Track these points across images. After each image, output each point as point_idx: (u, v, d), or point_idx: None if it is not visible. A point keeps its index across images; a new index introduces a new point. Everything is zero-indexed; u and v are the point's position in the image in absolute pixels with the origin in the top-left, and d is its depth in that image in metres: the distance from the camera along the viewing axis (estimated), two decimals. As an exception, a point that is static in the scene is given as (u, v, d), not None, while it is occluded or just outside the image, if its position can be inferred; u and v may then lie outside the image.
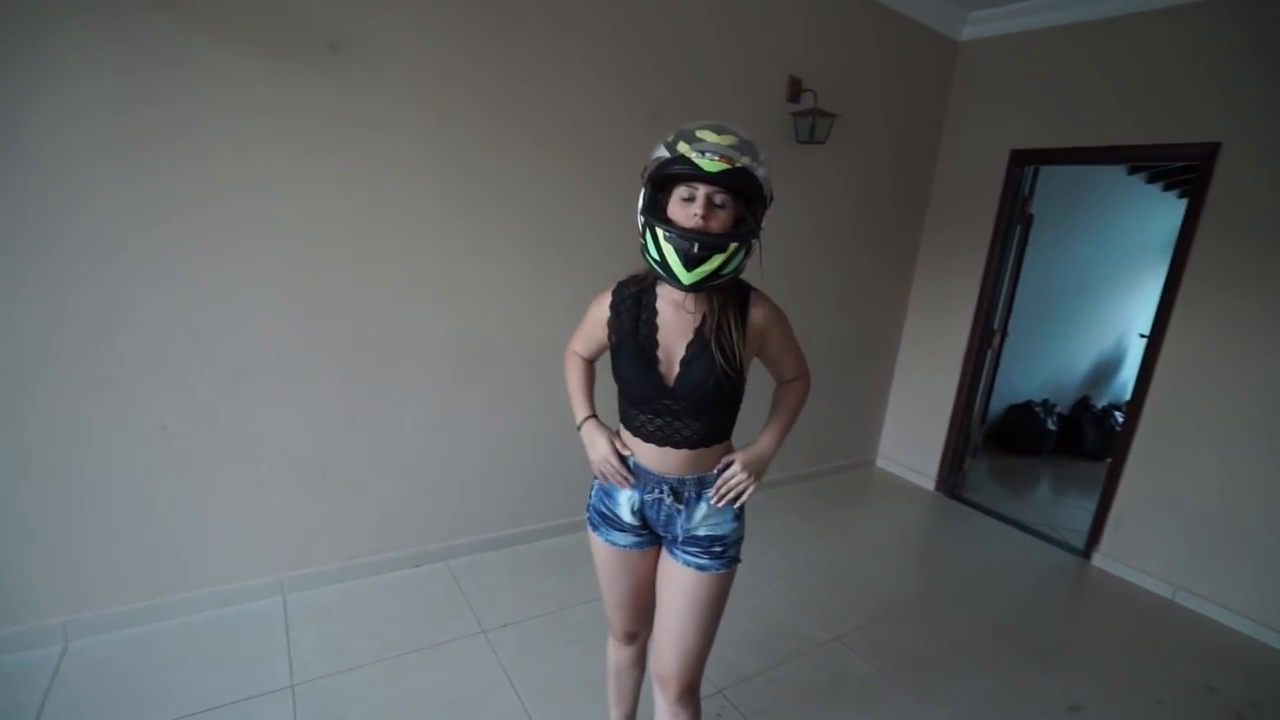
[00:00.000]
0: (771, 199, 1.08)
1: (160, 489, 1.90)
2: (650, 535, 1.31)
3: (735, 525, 1.27)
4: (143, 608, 1.94)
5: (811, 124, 2.84)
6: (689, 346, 1.16)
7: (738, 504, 1.25)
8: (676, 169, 1.01)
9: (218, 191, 1.80)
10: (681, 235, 1.01)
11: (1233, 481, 2.65)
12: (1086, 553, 3.11)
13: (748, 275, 1.16)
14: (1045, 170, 3.47)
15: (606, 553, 1.34)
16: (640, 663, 1.53)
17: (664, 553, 1.31)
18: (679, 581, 1.26)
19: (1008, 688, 2.13)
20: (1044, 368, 5.05)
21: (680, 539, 1.26)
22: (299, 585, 2.19)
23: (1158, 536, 2.88)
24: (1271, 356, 2.54)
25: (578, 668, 1.98)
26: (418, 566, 2.41)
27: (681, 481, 1.23)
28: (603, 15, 2.34)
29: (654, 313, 1.19)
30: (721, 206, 1.04)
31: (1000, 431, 4.82)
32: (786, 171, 3.02)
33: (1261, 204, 2.54)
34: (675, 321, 1.17)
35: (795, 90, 2.92)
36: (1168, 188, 5.10)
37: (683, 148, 1.01)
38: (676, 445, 1.20)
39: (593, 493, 1.35)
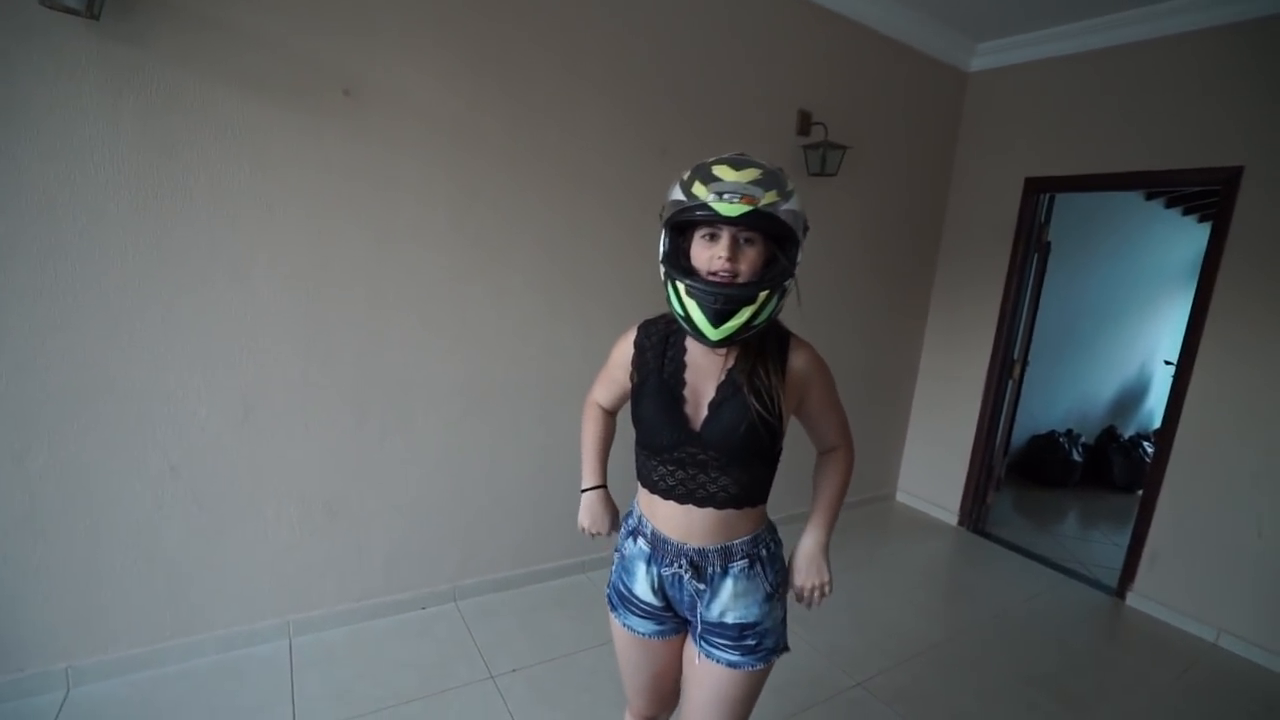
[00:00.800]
0: (807, 230, 0.98)
1: (168, 530, 1.88)
2: (675, 620, 1.17)
3: (768, 607, 1.11)
4: (146, 653, 1.91)
5: (822, 157, 2.84)
6: (720, 388, 1.04)
7: (819, 605, 1.16)
8: (694, 215, 0.92)
9: (230, 231, 1.82)
10: (705, 290, 0.92)
11: (1272, 515, 2.53)
12: (1120, 592, 2.98)
13: (786, 316, 1.05)
14: (1061, 197, 3.43)
15: (626, 639, 1.20)
16: None
17: (689, 642, 1.16)
18: (706, 679, 1.12)
19: (1043, 740, 2.01)
20: (1066, 397, 4.93)
21: (706, 624, 1.10)
22: (305, 628, 2.15)
23: (1196, 575, 2.75)
24: (1308, 386, 2.45)
25: (589, 716, 1.90)
26: (424, 609, 2.36)
27: (703, 553, 1.08)
28: (612, 54, 2.37)
29: (682, 351, 1.09)
30: (750, 243, 0.95)
31: (1023, 463, 4.69)
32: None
33: (1288, 229, 2.48)
34: (705, 362, 1.07)
35: (805, 123, 2.92)
36: (1187, 212, 5.04)
37: (698, 190, 0.92)
38: (701, 503, 1.06)
39: (613, 569, 1.23)
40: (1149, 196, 4.76)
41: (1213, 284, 2.68)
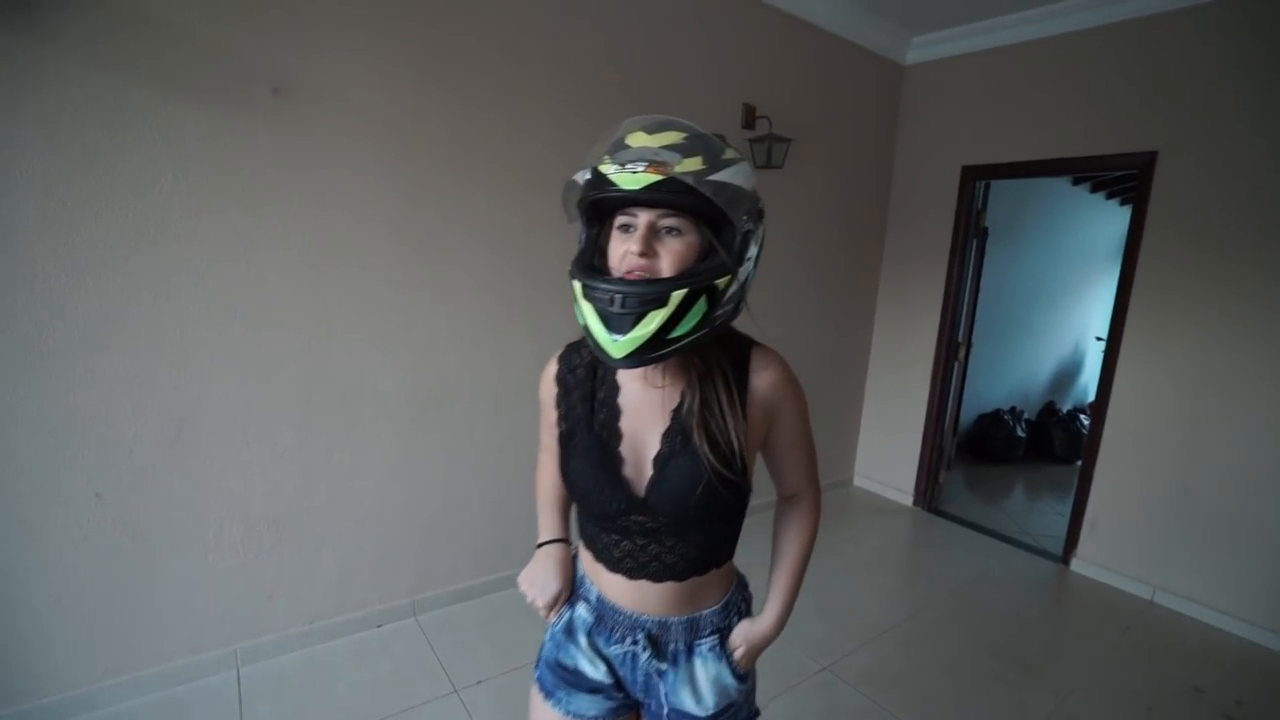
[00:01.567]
0: (761, 216, 0.78)
1: (95, 563, 1.75)
2: (628, 700, 0.95)
3: (744, 685, 0.94)
4: (77, 696, 1.77)
5: (768, 150, 2.87)
6: (665, 437, 0.82)
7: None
8: (589, 194, 0.73)
9: (153, 243, 1.71)
10: (600, 288, 0.70)
11: (1199, 476, 2.69)
12: (1065, 558, 3.12)
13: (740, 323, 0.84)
14: (996, 184, 3.56)
15: None
16: None
17: None
18: None
19: (1002, 706, 2.08)
20: (1009, 376, 5.14)
21: (665, 713, 0.91)
22: (253, 656, 2.04)
23: (1132, 537, 2.90)
24: (1223, 351, 2.61)
25: (559, 723, 1.87)
26: (379, 626, 2.27)
27: (664, 625, 0.88)
28: (557, 49, 2.33)
29: (614, 389, 0.86)
30: (676, 233, 0.72)
31: (972, 441, 4.87)
32: (745, 196, 3.03)
33: (1200, 207, 2.64)
34: (644, 400, 0.84)
35: (750, 117, 2.95)
36: (1110, 196, 5.32)
37: (603, 162, 0.71)
38: (656, 576, 0.86)
39: (546, 640, 0.99)
40: (1075, 182, 5.01)
41: (1135, 263, 2.84)
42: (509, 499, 2.50)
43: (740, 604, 0.97)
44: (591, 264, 0.78)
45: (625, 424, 0.85)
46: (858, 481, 4.08)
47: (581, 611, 0.94)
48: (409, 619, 2.33)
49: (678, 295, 0.69)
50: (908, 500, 3.79)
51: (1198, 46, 2.60)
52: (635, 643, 0.89)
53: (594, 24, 2.41)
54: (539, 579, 0.95)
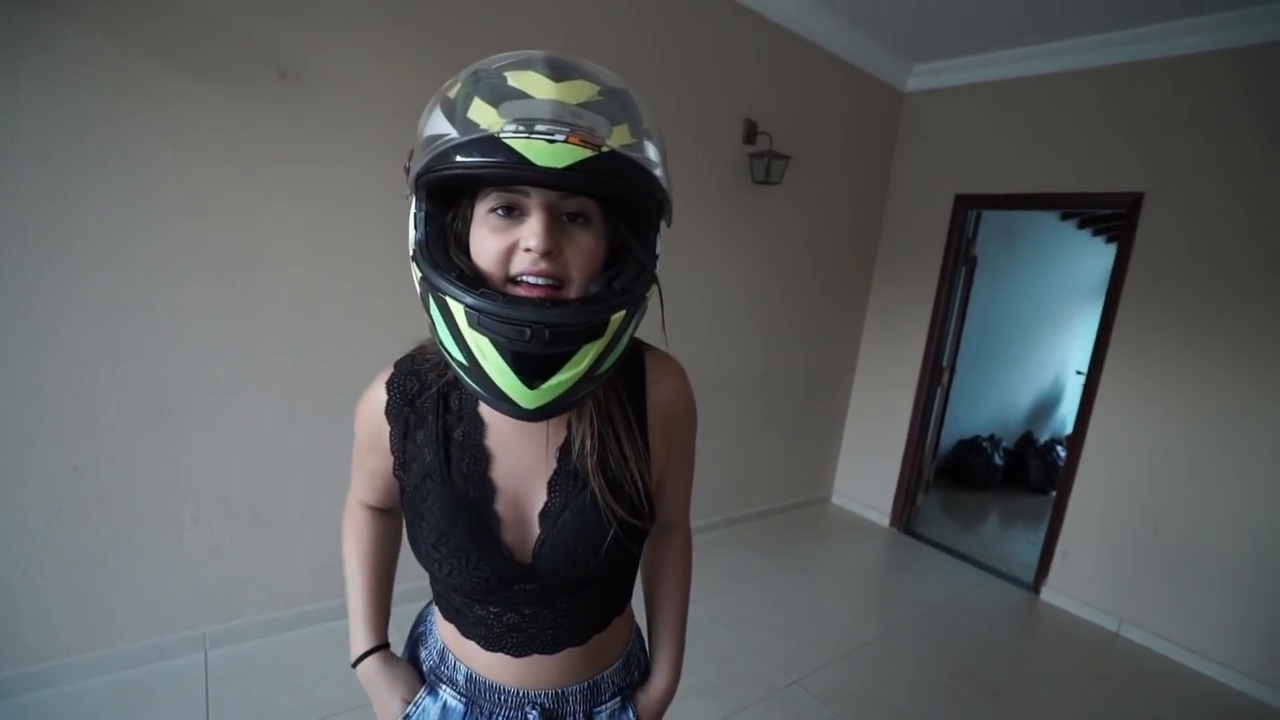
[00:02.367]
0: (669, 204, 0.56)
1: (67, 537, 1.73)
2: None
3: None
4: (36, 671, 1.74)
5: (767, 165, 2.90)
6: (552, 484, 0.64)
7: None
8: (474, 164, 0.48)
9: (148, 217, 1.70)
10: (509, 313, 0.48)
11: (1166, 515, 2.75)
12: (1035, 587, 3.17)
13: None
14: (986, 214, 3.63)
15: None
16: None
17: None
18: None
19: (966, 729, 2.11)
20: (989, 404, 5.22)
21: None
22: (223, 640, 2.02)
23: (1101, 570, 2.95)
24: (1198, 393, 2.67)
25: None
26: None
27: (560, 698, 0.71)
28: (562, 48, 2.34)
29: (477, 425, 0.65)
30: (581, 221, 0.54)
31: (950, 466, 4.93)
32: (743, 212, 3.07)
33: (1182, 250, 2.71)
34: (518, 441, 0.65)
35: (751, 132, 2.99)
36: (1096, 233, 5.43)
37: (479, 113, 0.48)
38: (550, 648, 0.69)
39: None
40: (1064, 217, 5.11)
41: (1118, 300, 2.90)
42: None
43: (640, 656, 0.83)
44: (451, 263, 0.53)
45: (498, 473, 0.64)
46: (835, 499, 4.11)
47: (447, 698, 0.72)
48: (382, 612, 2.31)
49: (616, 319, 0.51)
50: (884, 521, 3.83)
51: (1184, 94, 2.69)
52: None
53: (601, 28, 2.44)
54: (384, 702, 0.74)
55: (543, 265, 0.52)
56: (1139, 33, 2.75)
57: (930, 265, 3.61)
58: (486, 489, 0.64)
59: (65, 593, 1.76)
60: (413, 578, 0.99)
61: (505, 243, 0.52)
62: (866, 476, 3.94)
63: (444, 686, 0.73)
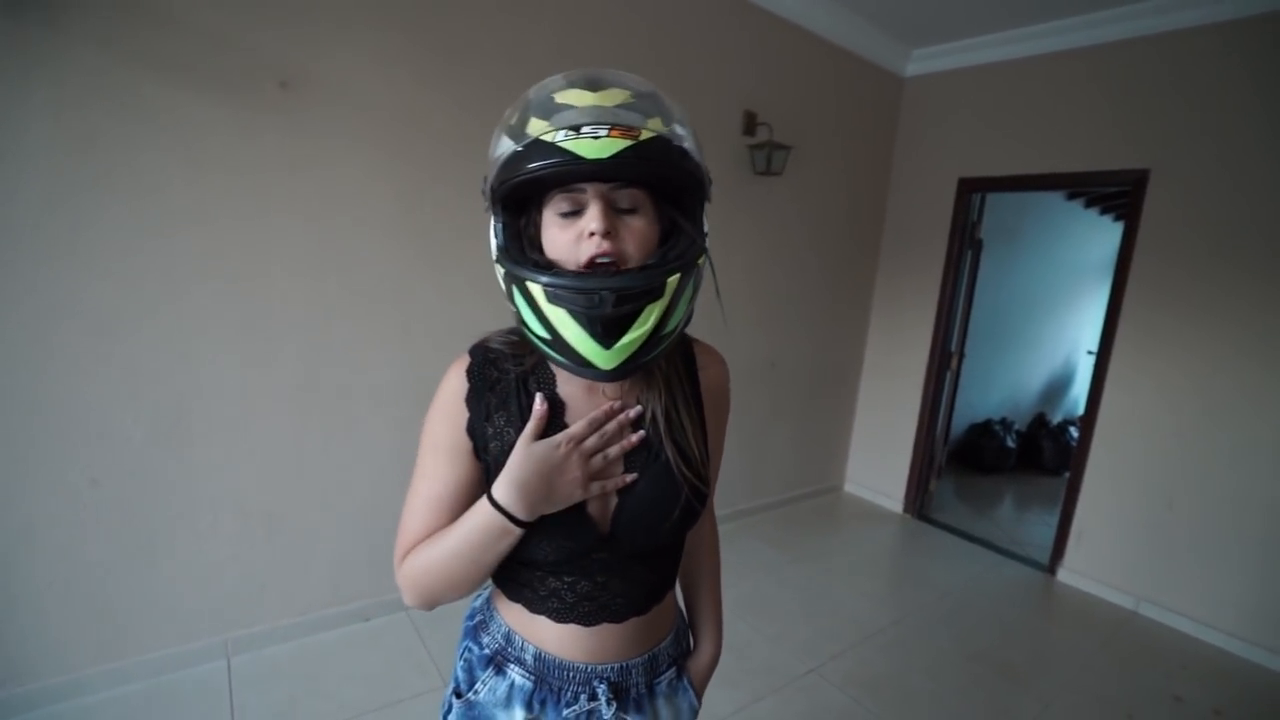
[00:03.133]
0: (710, 182, 0.65)
1: (89, 549, 1.76)
2: None
3: (697, 713, 0.86)
4: (65, 682, 1.77)
5: (768, 156, 2.90)
6: (629, 454, 0.69)
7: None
8: (537, 168, 0.56)
9: (159, 231, 1.72)
10: (582, 287, 0.56)
11: (1180, 492, 2.74)
12: (1051, 568, 3.16)
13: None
14: (991, 196, 3.60)
15: None
16: None
17: None
18: None
19: (985, 711, 2.11)
20: (1000, 387, 5.19)
21: None
22: (245, 646, 2.05)
23: (1117, 549, 2.94)
24: (1208, 370, 2.65)
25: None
26: (367, 620, 2.28)
27: (625, 671, 0.75)
28: (557, 53, 2.35)
29: (556, 403, 0.69)
30: (633, 211, 0.61)
31: (962, 451, 4.91)
32: (746, 203, 3.07)
33: (1189, 226, 2.68)
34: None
35: (751, 124, 2.98)
36: (1104, 212, 5.38)
37: (537, 127, 0.57)
38: (618, 616, 0.73)
39: (452, 713, 0.78)
40: (1070, 197, 5.07)
41: (1126, 278, 2.88)
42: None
43: (684, 629, 0.88)
44: (527, 259, 0.63)
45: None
46: (848, 488, 4.11)
47: (516, 677, 0.74)
48: (401, 612, 2.34)
49: (673, 282, 0.59)
50: (898, 507, 3.82)
51: (1186, 69, 2.65)
52: (594, 699, 0.73)
53: (598, 26, 2.43)
54: (555, 449, 0.64)
55: (604, 245, 0.59)
56: (1137, 8, 2.72)
57: (936, 250, 3.59)
58: None
59: (90, 603, 1.79)
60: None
61: (572, 235, 0.60)
62: (878, 463, 3.94)
63: (512, 666, 0.75)
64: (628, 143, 0.55)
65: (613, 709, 0.73)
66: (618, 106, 0.57)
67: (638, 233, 0.61)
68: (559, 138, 0.55)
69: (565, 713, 0.73)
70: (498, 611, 0.78)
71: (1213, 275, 2.63)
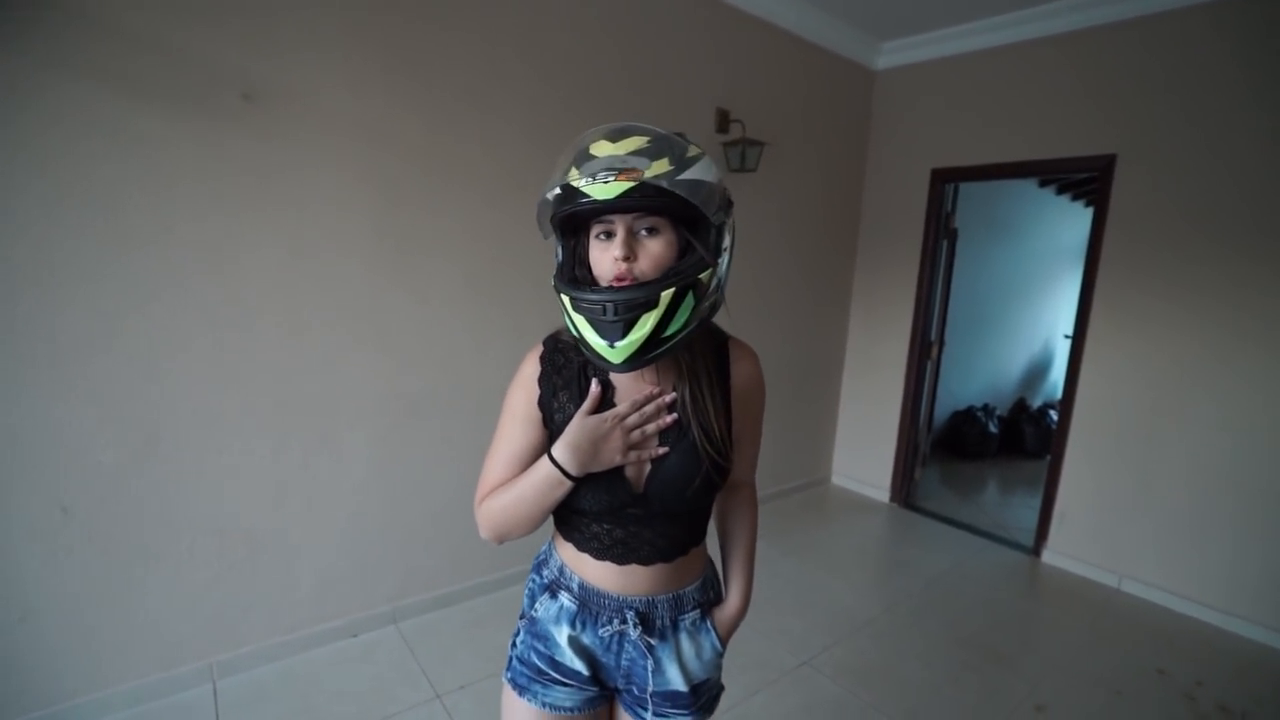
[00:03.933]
0: (730, 207, 0.79)
1: (61, 580, 1.71)
2: (603, 690, 0.97)
3: (720, 661, 1.00)
4: (44, 717, 1.73)
5: (742, 153, 2.90)
6: (663, 435, 0.85)
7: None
8: (566, 210, 0.73)
9: (120, 252, 1.68)
10: (590, 300, 0.72)
11: (1160, 467, 2.79)
12: (1036, 550, 3.20)
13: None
14: (965, 187, 3.65)
15: None
16: None
17: (620, 712, 0.99)
18: None
19: (976, 695, 2.13)
20: (981, 374, 5.25)
21: (651, 693, 0.94)
22: (230, 669, 2.01)
23: (1099, 528, 2.99)
24: (1181, 347, 2.71)
25: (541, 726, 1.87)
26: (355, 636, 2.25)
27: (651, 604, 0.92)
28: (531, 53, 2.34)
29: (609, 387, 0.87)
30: (654, 233, 0.75)
31: (946, 438, 4.97)
32: (720, 199, 3.07)
33: (1157, 208, 2.74)
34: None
35: (724, 121, 2.98)
36: (1075, 198, 5.47)
37: (573, 175, 0.72)
38: (646, 560, 0.90)
39: (518, 639, 0.98)
40: (1042, 184, 5.14)
41: (1097, 262, 2.93)
42: (489, 504, 2.49)
43: (714, 581, 1.03)
44: (574, 275, 0.81)
45: None
46: (835, 480, 4.14)
47: (565, 601, 0.94)
48: (390, 626, 2.31)
49: (666, 295, 0.72)
50: (884, 497, 3.86)
51: (1152, 55, 2.70)
52: (624, 622, 0.91)
53: (567, 28, 2.42)
54: (604, 424, 0.82)
55: (622, 267, 0.74)
56: (1102, -6, 2.76)
57: (912, 242, 3.62)
58: None
59: (66, 634, 1.74)
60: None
61: (607, 256, 0.76)
62: (864, 455, 3.97)
63: (563, 592, 0.94)
64: (629, 184, 0.69)
65: (638, 631, 0.91)
66: (629, 154, 0.71)
67: (653, 253, 0.75)
68: (580, 183, 0.70)
69: (601, 631, 0.92)
70: (556, 550, 0.97)
71: (1182, 255, 2.68)
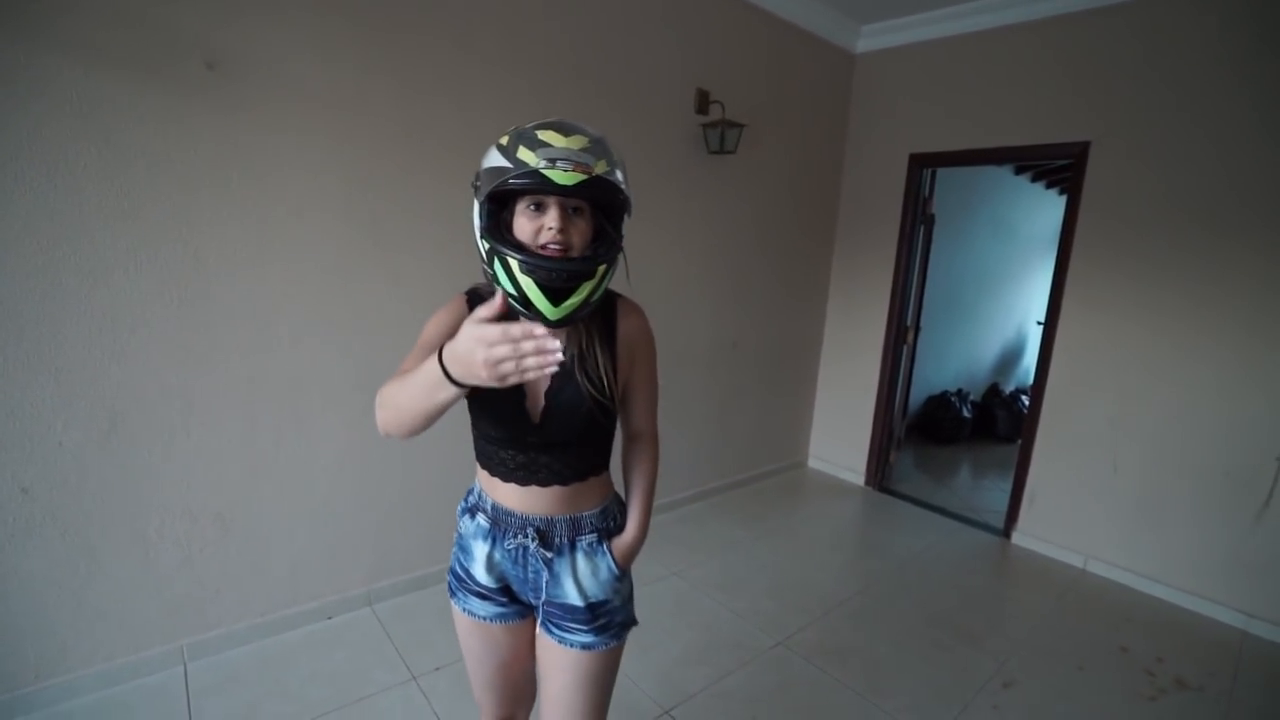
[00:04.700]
0: (630, 205, 0.93)
1: (22, 561, 1.67)
2: (517, 605, 1.11)
3: (622, 583, 1.10)
4: (7, 700, 1.69)
5: (721, 135, 2.89)
6: (555, 376, 0.98)
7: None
8: (522, 184, 0.83)
9: (78, 221, 1.62)
10: (544, 265, 0.83)
11: (1125, 453, 2.86)
12: (1006, 532, 3.28)
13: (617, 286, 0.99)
14: (942, 173, 3.67)
15: (466, 626, 1.13)
16: None
17: (539, 630, 1.10)
18: (560, 664, 1.07)
19: (947, 672, 2.18)
20: (955, 359, 5.33)
21: (554, 606, 1.06)
22: (201, 651, 1.98)
23: (1067, 510, 3.06)
24: (1149, 333, 2.77)
25: (517, 706, 1.88)
26: (329, 619, 2.23)
27: (550, 522, 1.05)
28: (508, 32, 2.29)
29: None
30: (579, 213, 0.89)
31: (921, 422, 5.04)
32: (701, 183, 3.06)
33: (1129, 195, 2.78)
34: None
35: (704, 102, 2.96)
36: (1049, 185, 5.54)
37: (524, 155, 0.83)
38: (544, 483, 1.03)
39: (453, 550, 1.15)
40: (1018, 171, 5.20)
41: (1070, 248, 2.97)
42: (464, 485, 2.47)
43: (617, 513, 1.13)
44: (504, 239, 0.88)
45: None
46: (812, 463, 4.19)
47: (480, 520, 1.09)
48: (364, 609, 2.30)
49: (601, 269, 0.87)
50: (859, 480, 3.91)
51: (1126, 41, 2.73)
52: (527, 537, 1.04)
53: (546, 6, 2.37)
54: (486, 335, 0.71)
55: (558, 238, 0.87)
56: (1080, -18, 2.77)
57: (889, 226, 3.64)
58: None
59: (30, 617, 1.71)
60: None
61: (535, 225, 0.88)
62: (840, 438, 4.01)
63: (479, 514, 1.10)
64: (583, 176, 0.83)
65: (535, 544, 1.04)
66: (580, 149, 0.84)
67: (580, 231, 0.90)
68: (541, 164, 0.82)
69: (507, 544, 1.06)
70: (478, 480, 1.12)
71: (1153, 240, 2.73)
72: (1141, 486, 2.82)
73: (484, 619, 1.11)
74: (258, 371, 1.96)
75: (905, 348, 3.78)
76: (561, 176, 0.82)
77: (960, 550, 3.13)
